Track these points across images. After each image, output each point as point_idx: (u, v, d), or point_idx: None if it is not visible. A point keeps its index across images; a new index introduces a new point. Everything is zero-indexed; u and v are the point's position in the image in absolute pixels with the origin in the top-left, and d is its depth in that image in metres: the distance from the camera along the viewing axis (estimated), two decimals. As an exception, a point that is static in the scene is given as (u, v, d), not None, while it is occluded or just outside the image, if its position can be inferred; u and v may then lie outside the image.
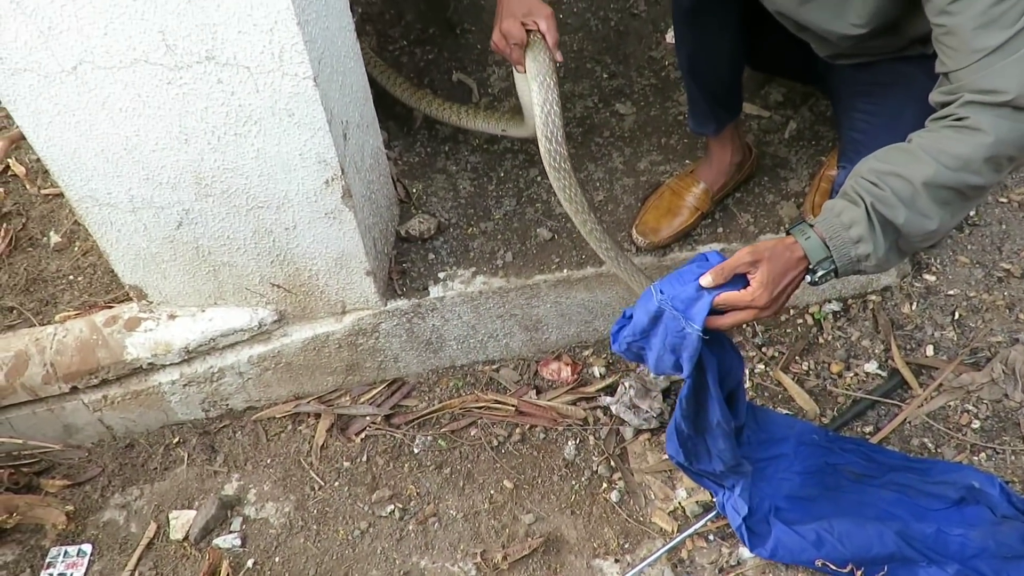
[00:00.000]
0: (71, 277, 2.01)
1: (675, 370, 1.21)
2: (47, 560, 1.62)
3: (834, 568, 1.39)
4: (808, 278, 1.12)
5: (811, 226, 1.12)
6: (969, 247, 1.81)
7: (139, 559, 1.61)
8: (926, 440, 1.59)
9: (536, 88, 1.39)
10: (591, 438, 1.70)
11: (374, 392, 1.82)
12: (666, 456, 1.64)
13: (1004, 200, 1.85)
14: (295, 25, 1.20)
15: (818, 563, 1.40)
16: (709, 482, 1.46)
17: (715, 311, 1.15)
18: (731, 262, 1.13)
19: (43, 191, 2.23)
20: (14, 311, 1.94)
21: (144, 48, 1.23)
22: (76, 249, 2.08)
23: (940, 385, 1.64)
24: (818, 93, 1.83)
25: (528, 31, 1.37)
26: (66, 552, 1.62)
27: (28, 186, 2.24)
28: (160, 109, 1.31)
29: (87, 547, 1.63)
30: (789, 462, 1.54)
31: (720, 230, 1.73)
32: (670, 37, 2.04)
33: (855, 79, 1.46)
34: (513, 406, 1.75)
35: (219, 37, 1.22)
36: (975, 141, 1.02)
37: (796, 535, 1.42)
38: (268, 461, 1.75)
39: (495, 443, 1.71)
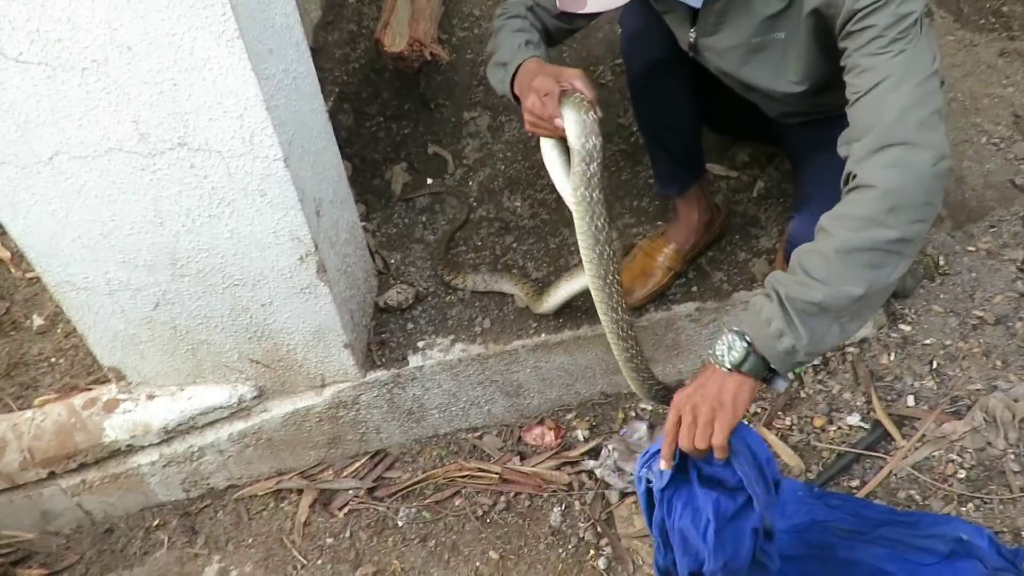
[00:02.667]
0: (53, 359, 2.00)
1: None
2: (21, 655, 1.57)
3: (826, 630, 1.35)
4: (722, 368, 1.06)
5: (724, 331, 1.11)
6: (942, 296, 1.83)
7: (116, 650, 1.56)
8: (912, 492, 1.58)
9: (576, 135, 1.20)
10: (577, 503, 1.67)
11: (357, 465, 1.80)
12: (652, 519, 1.62)
13: (972, 248, 1.88)
14: (264, 110, 1.24)
15: (810, 626, 1.37)
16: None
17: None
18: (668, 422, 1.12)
19: (27, 275, 2.25)
20: (-6, 397, 1.93)
21: (118, 137, 1.27)
22: (59, 331, 2.08)
23: (923, 436, 1.64)
24: (783, 153, 1.87)
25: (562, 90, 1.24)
26: (41, 645, 1.58)
27: (12, 270, 2.26)
28: (135, 194, 1.34)
29: (63, 639, 1.59)
30: (775, 520, 1.52)
31: (694, 289, 1.75)
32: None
33: (807, 136, 1.50)
34: (497, 474, 1.73)
35: (191, 124, 1.25)
36: (867, 197, 1.02)
37: None
38: (250, 541, 1.72)
39: (480, 513, 1.69)
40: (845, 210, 1.04)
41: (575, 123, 1.20)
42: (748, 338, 1.06)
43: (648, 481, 1.18)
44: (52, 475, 1.68)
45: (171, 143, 1.27)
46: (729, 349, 1.07)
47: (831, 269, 1.03)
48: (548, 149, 1.33)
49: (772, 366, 1.06)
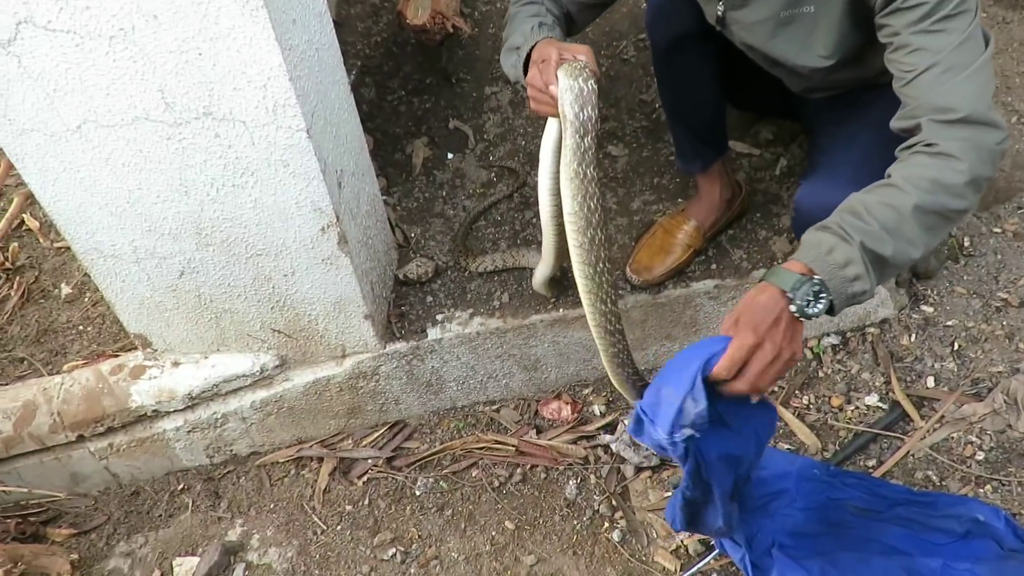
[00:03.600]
0: (80, 327, 2.05)
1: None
2: (52, 610, 1.62)
3: (838, 605, 1.36)
4: (793, 308, 1.06)
5: (783, 264, 1.09)
6: (966, 278, 1.80)
7: (142, 608, 1.61)
8: (930, 473, 1.57)
9: (570, 102, 1.13)
10: (592, 477, 1.69)
11: (376, 435, 1.83)
12: (667, 493, 1.63)
13: (998, 230, 1.85)
14: (287, 81, 1.25)
15: (821, 600, 1.37)
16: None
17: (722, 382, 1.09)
18: (730, 342, 1.07)
19: (55, 244, 2.29)
20: (24, 362, 1.98)
21: (145, 106, 1.28)
22: (86, 300, 2.12)
23: (942, 417, 1.63)
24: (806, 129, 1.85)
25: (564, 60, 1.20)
26: (71, 602, 1.63)
27: (41, 240, 2.30)
28: (161, 163, 1.36)
29: (91, 596, 1.64)
30: (791, 498, 1.52)
31: (713, 267, 1.74)
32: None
33: (827, 110, 1.49)
34: (514, 446, 1.75)
35: (215, 94, 1.26)
36: (951, 168, 1.04)
37: (800, 569, 1.40)
38: (271, 506, 1.76)
39: (496, 484, 1.71)
40: (922, 172, 1.05)
41: (569, 90, 1.12)
42: (828, 288, 1.04)
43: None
44: (81, 438, 1.72)
45: (196, 112, 1.29)
46: (814, 300, 1.05)
47: (904, 226, 1.04)
48: (548, 131, 1.23)
49: (833, 306, 1.05)
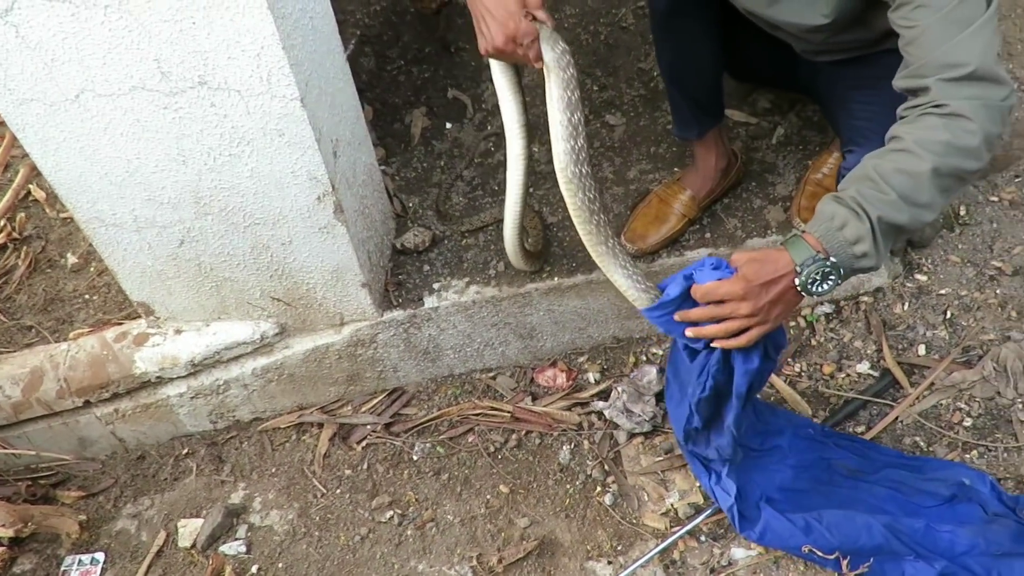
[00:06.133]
0: (87, 296, 2.09)
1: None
2: (62, 568, 1.68)
3: (820, 555, 1.40)
4: (797, 281, 1.09)
5: (802, 233, 1.12)
6: (960, 246, 1.82)
7: (149, 566, 1.67)
8: (918, 439, 1.60)
9: (555, 81, 1.21)
10: (585, 443, 1.73)
11: (374, 401, 1.87)
12: (659, 458, 1.67)
13: (995, 199, 1.86)
14: (280, 50, 1.27)
15: (805, 549, 1.41)
16: (699, 464, 1.49)
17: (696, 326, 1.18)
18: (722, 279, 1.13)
19: (61, 215, 2.33)
20: (32, 330, 2.03)
21: (141, 76, 1.31)
22: (92, 269, 2.16)
23: (932, 384, 1.65)
24: (805, 99, 1.86)
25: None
26: (80, 560, 1.69)
27: (48, 210, 2.34)
28: (158, 132, 1.38)
29: (100, 555, 1.70)
30: (783, 455, 1.56)
31: (708, 235, 1.76)
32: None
33: (843, 76, 1.50)
34: (509, 412, 1.79)
35: (210, 63, 1.29)
36: (964, 129, 1.05)
37: (785, 521, 1.44)
38: (273, 470, 1.81)
39: (492, 449, 1.75)
40: (934, 135, 1.05)
41: (557, 71, 1.18)
42: (841, 268, 1.08)
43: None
44: (87, 404, 1.78)
45: (191, 82, 1.31)
46: (820, 280, 1.08)
47: (920, 192, 1.05)
48: (499, 74, 1.30)
49: (831, 269, 1.09)
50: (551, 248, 1.78)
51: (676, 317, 1.19)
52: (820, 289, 1.09)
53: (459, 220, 1.86)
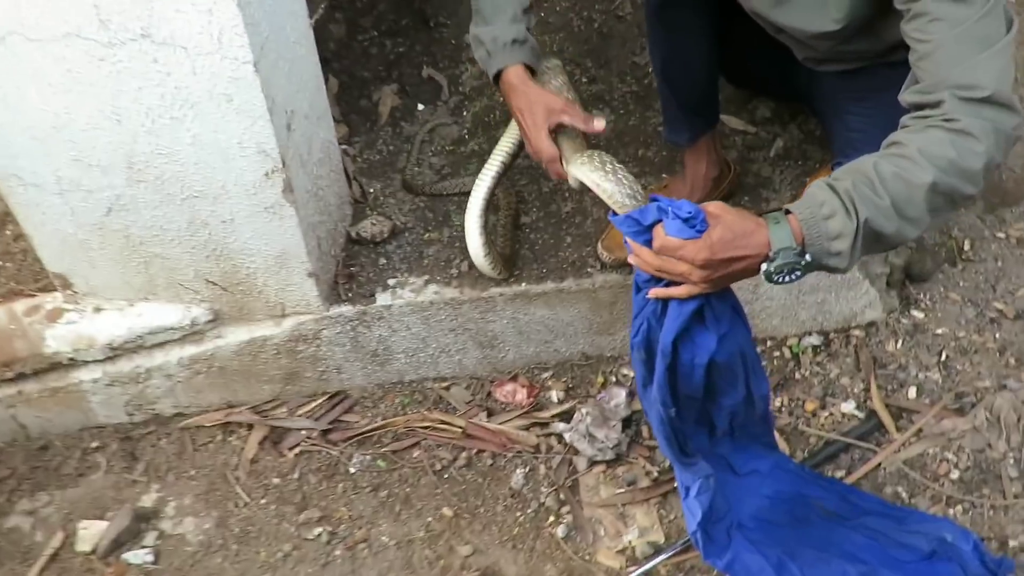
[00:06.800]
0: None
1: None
2: (-58, 565, 1.67)
3: (791, 597, 1.43)
4: (764, 266, 1.13)
5: (787, 213, 1.14)
6: (962, 284, 1.87)
7: (41, 570, 1.65)
8: (900, 489, 1.64)
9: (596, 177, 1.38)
10: (542, 467, 1.75)
11: (313, 404, 1.87)
12: (620, 490, 1.69)
13: (1002, 235, 1.92)
14: (235, 6, 1.28)
15: (775, 586, 1.44)
16: (677, 470, 1.50)
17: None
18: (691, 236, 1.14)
19: (-23, 170, 2.30)
20: (-67, 296, 2.00)
21: (77, 22, 1.31)
22: (7, 233, 2.14)
23: (920, 430, 1.70)
24: (807, 111, 1.90)
25: (555, 134, 1.42)
26: (-37, 558, 1.67)
27: (-39, 163, 2.31)
28: (92, 86, 1.38)
29: (-13, 554, 1.68)
30: (762, 481, 1.58)
31: (693, 250, 1.79)
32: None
33: (844, 87, 1.54)
34: (461, 428, 1.80)
35: (156, 14, 1.29)
36: (971, 149, 1.09)
37: (758, 554, 1.46)
38: (192, 472, 1.80)
39: (438, 467, 1.76)
40: (940, 150, 1.09)
41: (602, 190, 1.35)
42: (811, 266, 1.12)
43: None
44: (-12, 383, 1.76)
45: (133, 33, 1.31)
46: (787, 273, 1.12)
47: (912, 204, 1.09)
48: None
49: (801, 261, 1.12)
50: (521, 250, 1.80)
51: (632, 259, 1.21)
52: (783, 280, 1.12)
53: (426, 187, 1.90)
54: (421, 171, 1.95)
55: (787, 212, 1.13)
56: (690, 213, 1.15)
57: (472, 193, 1.59)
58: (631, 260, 1.22)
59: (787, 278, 1.13)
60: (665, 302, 1.25)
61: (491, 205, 1.61)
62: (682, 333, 1.25)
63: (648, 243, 1.19)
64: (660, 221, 1.17)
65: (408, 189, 1.93)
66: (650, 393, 1.36)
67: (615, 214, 1.30)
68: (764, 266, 1.12)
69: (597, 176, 1.35)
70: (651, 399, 1.36)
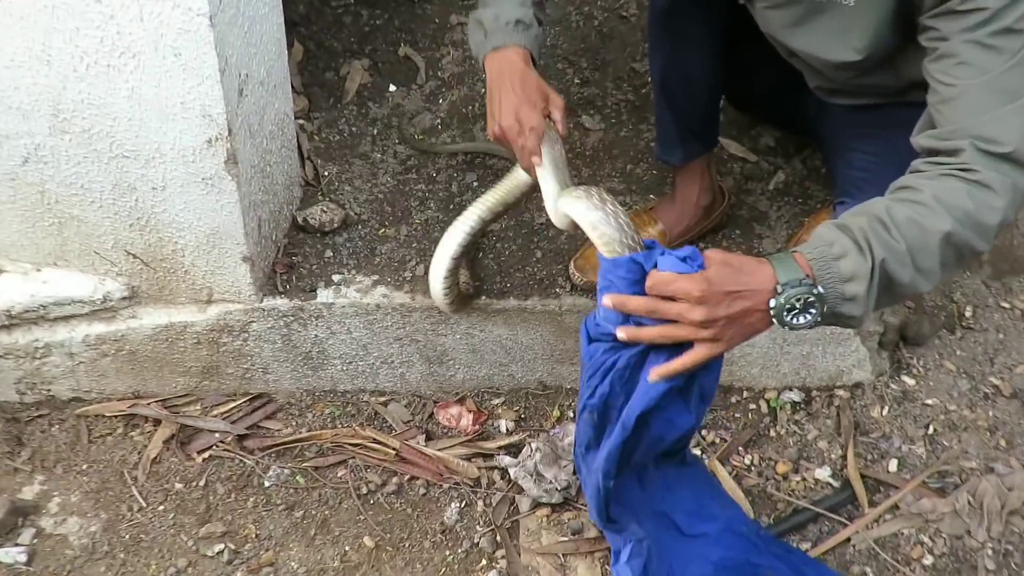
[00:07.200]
0: None
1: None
2: None
3: None
4: (772, 303, 1.10)
5: (792, 253, 1.14)
6: (958, 353, 1.91)
7: None
8: (868, 569, 1.66)
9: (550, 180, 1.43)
10: (480, 503, 1.74)
11: (232, 405, 1.86)
12: (564, 538, 1.69)
13: (1007, 305, 1.96)
14: (195, -50, 1.27)
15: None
16: (608, 533, 1.50)
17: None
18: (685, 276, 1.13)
19: None
20: None
21: (13, -56, 1.29)
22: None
23: (896, 507, 1.72)
24: (813, 145, 1.93)
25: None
26: None
27: None
28: (22, 20, 1.37)
29: None
30: (709, 546, 1.58)
31: (673, 282, 1.81)
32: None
33: (853, 122, 1.57)
34: (395, 450, 1.80)
35: (104, -52, 1.28)
36: (988, 204, 1.11)
37: None
38: (84, 467, 1.77)
39: (364, 490, 1.76)
40: (957, 200, 1.11)
41: (590, 225, 1.29)
42: (825, 304, 1.10)
43: None
44: None
45: (76, -34, 1.30)
46: (800, 311, 1.10)
47: (926, 254, 1.11)
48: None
49: (822, 312, 1.11)
50: (484, 264, 1.81)
51: (608, 301, 1.18)
52: (796, 321, 1.10)
53: (427, 143, 1.91)
54: (378, 181, 1.94)
55: (793, 252, 1.13)
56: (687, 254, 1.15)
57: (443, 242, 1.58)
58: (604, 302, 1.18)
59: (801, 318, 1.10)
60: (637, 367, 1.21)
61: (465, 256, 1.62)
62: (653, 409, 1.21)
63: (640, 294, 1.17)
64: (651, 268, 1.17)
65: (404, 141, 1.90)
66: (591, 459, 1.34)
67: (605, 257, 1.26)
68: (772, 302, 1.10)
69: (595, 217, 1.26)
70: (591, 466, 1.35)
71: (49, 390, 1.84)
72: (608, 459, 1.29)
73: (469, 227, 1.57)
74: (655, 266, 1.17)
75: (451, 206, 1.91)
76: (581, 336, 1.30)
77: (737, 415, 1.88)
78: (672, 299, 1.11)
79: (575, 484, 1.74)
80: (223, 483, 1.76)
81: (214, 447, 1.80)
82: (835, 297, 1.10)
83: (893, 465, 1.79)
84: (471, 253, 1.80)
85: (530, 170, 1.45)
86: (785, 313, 1.10)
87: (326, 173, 1.94)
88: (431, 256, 1.80)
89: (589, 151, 2.01)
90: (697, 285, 1.09)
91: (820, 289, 1.09)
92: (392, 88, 2.12)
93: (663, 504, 1.49)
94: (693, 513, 1.59)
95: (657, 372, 1.17)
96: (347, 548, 1.68)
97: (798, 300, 1.09)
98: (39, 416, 1.83)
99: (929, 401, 1.86)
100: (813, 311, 1.10)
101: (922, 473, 1.76)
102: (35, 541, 1.66)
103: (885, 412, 1.86)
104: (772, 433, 1.85)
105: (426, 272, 1.78)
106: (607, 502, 1.36)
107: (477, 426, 1.84)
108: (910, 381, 1.89)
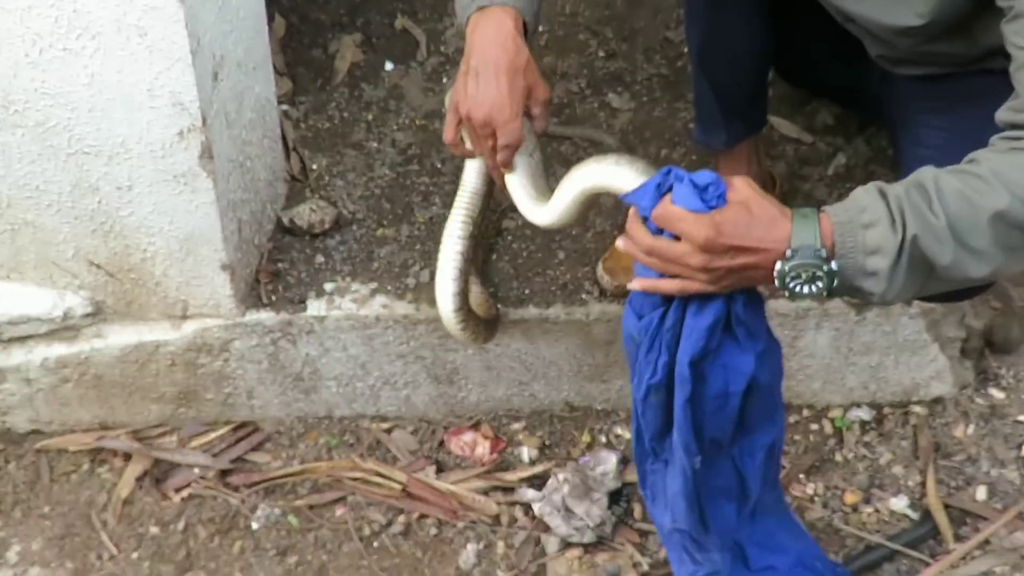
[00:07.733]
0: None
1: None
2: None
3: None
4: (778, 266, 1.13)
5: (820, 212, 1.15)
6: (1055, 360, 1.90)
7: None
8: (954, 614, 1.66)
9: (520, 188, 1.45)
10: (501, 543, 1.75)
11: (212, 436, 1.87)
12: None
13: (1112, 303, 1.95)
14: (160, -85, 1.29)
15: None
16: (674, 548, 1.49)
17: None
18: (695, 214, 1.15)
19: None
20: None
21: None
22: None
23: (987, 542, 1.71)
24: (878, 123, 1.92)
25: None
26: None
27: None
28: (-33, -1, 1.39)
29: None
30: None
31: (719, 284, 1.80)
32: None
33: (923, 94, 1.56)
34: (402, 484, 1.80)
35: (57, -86, 1.30)
36: None
37: None
38: (46, 509, 1.79)
39: (367, 531, 1.76)
40: (1019, 175, 1.09)
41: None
42: (837, 278, 1.12)
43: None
44: None
45: (26, -64, 1.32)
46: (807, 281, 1.12)
47: (974, 232, 1.09)
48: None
49: (832, 287, 1.13)
50: (498, 268, 1.81)
51: (620, 242, 1.23)
52: (800, 290, 1.13)
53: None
54: (369, 187, 1.93)
55: (821, 212, 1.14)
56: (709, 182, 1.16)
57: (443, 248, 1.57)
58: (619, 244, 1.23)
59: (806, 288, 1.13)
60: (680, 322, 1.24)
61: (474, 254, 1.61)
62: (706, 355, 1.24)
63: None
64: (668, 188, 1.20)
65: None
66: (667, 446, 1.35)
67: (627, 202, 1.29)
68: (778, 265, 1.12)
69: (591, 167, 1.34)
70: (673, 454, 1.34)
71: (4, 422, 1.86)
72: (681, 430, 1.29)
73: (462, 231, 1.56)
74: (670, 189, 1.19)
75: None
76: (624, 319, 1.33)
77: (797, 437, 1.87)
78: (675, 239, 1.16)
79: (609, 521, 1.73)
80: (205, 525, 1.77)
81: (193, 484, 1.81)
82: (853, 269, 1.12)
83: (982, 492, 1.77)
84: (478, 260, 1.80)
85: (495, 175, 1.47)
86: (789, 280, 1.13)
87: (315, 166, 1.94)
88: (436, 260, 1.81)
89: (617, 133, 2.00)
90: (704, 231, 1.12)
91: (833, 265, 1.11)
92: (388, 66, 2.13)
93: (740, 532, 1.49)
94: (760, 543, 1.59)
95: (640, 283, 1.23)
96: (348, 598, 1.69)
97: (805, 271, 1.12)
98: (-7, 452, 1.86)
99: (1021, 417, 1.84)
100: (820, 284, 1.12)
101: (1017, 503, 1.75)
102: (-9, 596, 1.68)
103: (971, 431, 1.84)
104: (838, 458, 1.84)
105: (431, 278, 1.79)
106: (698, 495, 1.35)
107: (495, 455, 1.85)
108: (998, 394, 1.88)
